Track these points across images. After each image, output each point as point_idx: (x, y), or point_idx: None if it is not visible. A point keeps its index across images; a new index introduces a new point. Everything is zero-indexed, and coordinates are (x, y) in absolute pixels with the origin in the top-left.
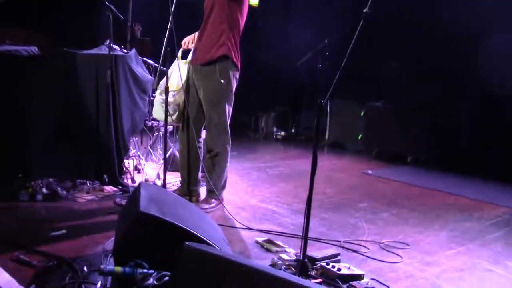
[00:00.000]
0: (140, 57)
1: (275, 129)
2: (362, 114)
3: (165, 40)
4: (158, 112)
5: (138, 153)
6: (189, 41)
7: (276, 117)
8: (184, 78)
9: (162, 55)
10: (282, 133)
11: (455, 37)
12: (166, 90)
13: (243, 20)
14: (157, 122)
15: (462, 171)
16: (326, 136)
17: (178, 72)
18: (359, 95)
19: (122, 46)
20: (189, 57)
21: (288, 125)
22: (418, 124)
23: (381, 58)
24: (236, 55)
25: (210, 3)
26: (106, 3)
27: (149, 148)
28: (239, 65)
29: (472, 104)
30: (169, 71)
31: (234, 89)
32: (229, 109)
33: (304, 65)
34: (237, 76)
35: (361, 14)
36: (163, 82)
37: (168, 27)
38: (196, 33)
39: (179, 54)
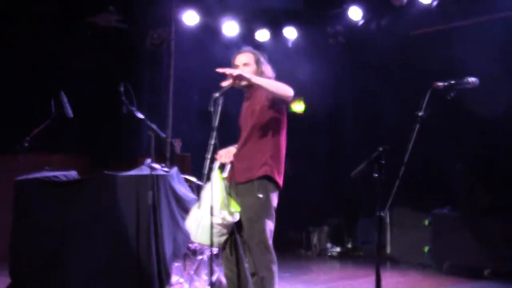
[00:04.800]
0: (181, 175)
1: (329, 245)
2: (426, 223)
3: (208, 157)
4: (203, 236)
5: (181, 280)
6: (225, 155)
7: (330, 232)
8: (223, 194)
9: (205, 173)
10: (338, 249)
11: None
12: (211, 210)
13: (285, 129)
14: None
15: None
16: (388, 250)
17: (218, 188)
18: (421, 203)
19: (163, 164)
20: (225, 173)
21: (343, 240)
22: (494, 231)
23: (444, 161)
24: (278, 174)
25: (248, 118)
26: (148, 122)
27: (193, 274)
28: (281, 183)
29: None
30: (208, 188)
31: (275, 204)
32: (270, 225)
33: (359, 175)
34: (277, 193)
35: (416, 118)
36: (206, 200)
37: (211, 143)
38: (232, 148)
39: (216, 167)
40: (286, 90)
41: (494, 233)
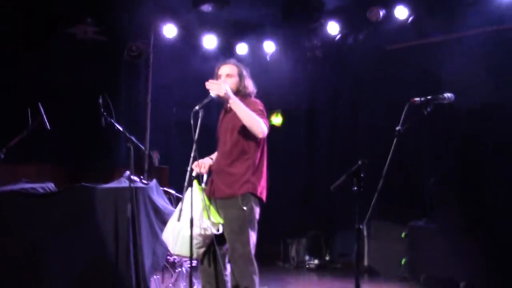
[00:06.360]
0: (160, 188)
1: (307, 257)
2: (403, 235)
3: (189, 169)
4: (182, 247)
5: None
6: (201, 165)
7: (308, 244)
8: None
9: (186, 184)
10: (315, 261)
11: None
12: (191, 222)
13: (266, 143)
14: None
15: None
16: (365, 263)
17: (198, 199)
18: (398, 215)
19: (141, 176)
20: (203, 184)
21: (321, 252)
22: (470, 243)
23: (420, 175)
24: (261, 189)
25: (229, 132)
26: (127, 134)
27: (172, 287)
28: (264, 198)
29: None
30: (185, 199)
31: (258, 216)
32: (253, 237)
33: (338, 188)
34: (260, 207)
35: (394, 132)
36: (186, 211)
37: (192, 155)
38: (207, 159)
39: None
40: (260, 129)
41: (469, 247)
